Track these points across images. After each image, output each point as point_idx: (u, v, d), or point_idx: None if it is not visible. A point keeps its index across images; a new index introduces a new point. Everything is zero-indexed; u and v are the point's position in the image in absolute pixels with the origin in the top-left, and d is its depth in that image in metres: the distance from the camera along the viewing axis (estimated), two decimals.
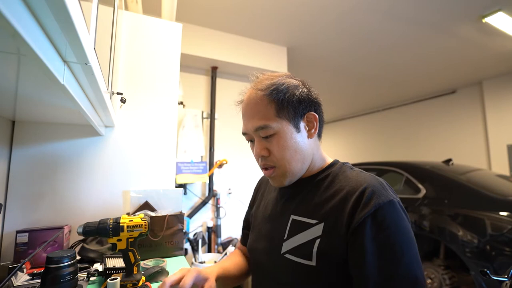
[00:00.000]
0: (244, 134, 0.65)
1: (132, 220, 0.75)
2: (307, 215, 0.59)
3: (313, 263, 0.53)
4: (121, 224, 0.74)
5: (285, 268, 0.59)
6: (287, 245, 0.60)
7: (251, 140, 0.65)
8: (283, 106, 0.59)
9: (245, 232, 0.85)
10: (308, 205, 0.60)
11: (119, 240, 0.74)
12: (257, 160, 0.63)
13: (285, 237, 0.61)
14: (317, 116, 0.62)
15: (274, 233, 0.65)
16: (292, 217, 0.62)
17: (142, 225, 0.76)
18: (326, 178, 0.62)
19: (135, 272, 0.76)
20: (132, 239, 0.75)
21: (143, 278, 0.78)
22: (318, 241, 0.54)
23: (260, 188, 0.85)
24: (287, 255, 0.59)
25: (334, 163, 0.66)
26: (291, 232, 0.60)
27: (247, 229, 0.85)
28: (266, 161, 0.61)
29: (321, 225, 0.55)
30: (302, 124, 0.61)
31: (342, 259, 0.52)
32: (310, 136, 0.62)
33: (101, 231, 0.72)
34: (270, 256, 0.63)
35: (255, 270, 0.72)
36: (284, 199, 0.67)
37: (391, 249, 0.48)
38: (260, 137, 0.61)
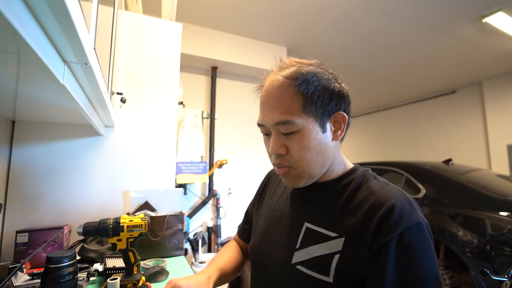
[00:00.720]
0: (260, 125, 0.57)
1: (132, 220, 0.75)
2: (325, 226, 0.54)
3: (330, 279, 0.49)
4: (121, 224, 0.74)
5: (294, 279, 0.54)
6: (299, 256, 0.55)
7: (266, 134, 0.58)
8: (312, 101, 0.52)
9: (246, 228, 0.80)
10: (326, 215, 0.55)
11: (119, 240, 0.74)
12: (270, 156, 0.57)
13: (297, 246, 0.56)
14: (346, 117, 0.56)
15: (284, 239, 0.59)
16: (307, 225, 0.56)
17: (142, 225, 0.76)
18: (347, 186, 0.56)
19: (135, 272, 0.76)
20: (132, 239, 0.75)
21: (143, 278, 0.78)
22: (337, 256, 0.49)
23: (269, 183, 0.78)
24: (298, 266, 0.54)
25: (356, 168, 0.60)
26: (305, 242, 0.55)
27: (248, 225, 0.79)
28: (281, 160, 0.55)
29: (342, 240, 0.50)
30: (328, 124, 0.55)
31: (361, 276, 0.48)
32: (335, 138, 0.56)
33: (101, 231, 0.72)
34: (278, 264, 0.58)
35: (257, 273, 0.66)
36: (297, 202, 0.62)
37: (413, 274, 0.45)
38: (279, 132, 0.54)
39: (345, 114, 0.56)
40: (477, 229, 1.91)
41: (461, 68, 3.94)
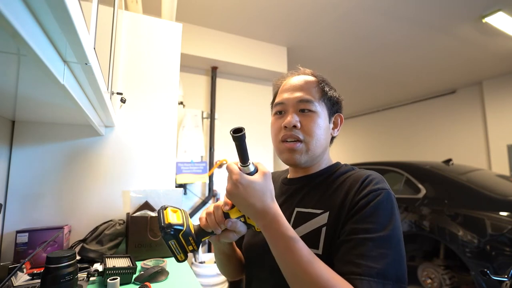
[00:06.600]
0: (278, 104, 0.66)
1: None
2: (312, 206, 0.60)
3: (320, 251, 0.54)
4: None
5: None
6: None
7: (279, 112, 0.65)
8: (326, 96, 0.65)
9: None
10: (313, 198, 0.62)
11: None
12: (280, 131, 0.63)
13: None
14: (343, 119, 0.69)
15: None
16: (297, 209, 0.63)
17: None
18: (332, 174, 0.65)
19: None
20: None
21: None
22: (324, 229, 0.55)
23: None
24: None
25: (338, 163, 0.70)
26: (296, 224, 0.60)
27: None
28: (295, 132, 0.62)
29: (326, 214, 0.57)
30: (331, 120, 0.67)
31: None
32: (332, 133, 0.68)
33: None
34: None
35: (253, 266, 0.68)
36: (287, 195, 0.68)
37: (373, 232, 0.49)
38: (297, 110, 0.63)
39: (342, 116, 0.69)
40: (477, 229, 1.91)
41: (461, 68, 3.94)
